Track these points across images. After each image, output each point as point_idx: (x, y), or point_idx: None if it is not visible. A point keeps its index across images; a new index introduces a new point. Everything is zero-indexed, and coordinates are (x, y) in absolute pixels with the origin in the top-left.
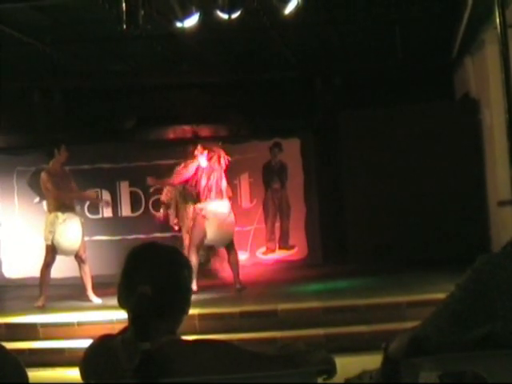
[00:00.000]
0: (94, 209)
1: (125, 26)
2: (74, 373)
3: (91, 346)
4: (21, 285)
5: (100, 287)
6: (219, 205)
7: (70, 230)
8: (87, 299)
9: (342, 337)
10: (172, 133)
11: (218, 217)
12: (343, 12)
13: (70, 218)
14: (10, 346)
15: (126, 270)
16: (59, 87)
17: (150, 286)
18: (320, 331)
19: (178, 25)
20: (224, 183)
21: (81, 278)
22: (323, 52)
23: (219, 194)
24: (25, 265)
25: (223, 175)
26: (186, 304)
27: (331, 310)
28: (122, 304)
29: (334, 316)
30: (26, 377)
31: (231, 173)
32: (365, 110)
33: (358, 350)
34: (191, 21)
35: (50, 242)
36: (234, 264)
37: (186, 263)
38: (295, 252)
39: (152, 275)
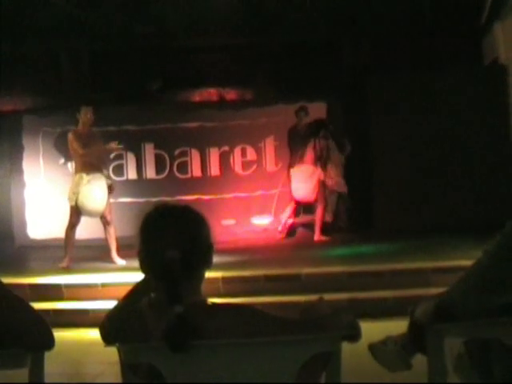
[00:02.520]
0: (119, 171)
1: None
2: (98, 334)
3: (116, 308)
4: (45, 246)
5: (124, 249)
6: None
7: (95, 192)
8: (111, 261)
9: (366, 302)
10: (198, 95)
11: None
12: None
13: (95, 179)
14: (34, 306)
15: (146, 235)
16: (86, 49)
17: (177, 249)
18: (344, 296)
19: None
20: None
21: (105, 240)
22: (351, 14)
23: None
24: (50, 226)
25: None
26: (210, 261)
27: (355, 275)
28: (146, 269)
29: (358, 281)
30: (52, 337)
31: (256, 136)
32: (392, 74)
33: (382, 316)
34: None
35: (73, 203)
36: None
37: (203, 220)
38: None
39: (177, 238)
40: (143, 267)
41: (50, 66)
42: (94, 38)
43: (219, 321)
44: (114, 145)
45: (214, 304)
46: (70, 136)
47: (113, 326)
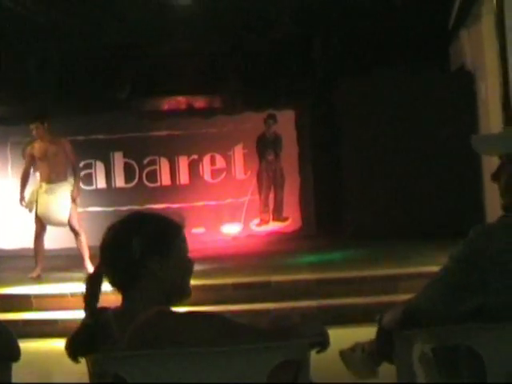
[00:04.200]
0: (88, 180)
1: None
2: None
3: (81, 324)
4: (15, 255)
5: (94, 258)
6: None
7: (54, 200)
8: (84, 270)
9: (336, 309)
10: (166, 103)
11: None
12: None
13: (53, 187)
14: (3, 316)
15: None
16: (53, 55)
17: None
18: (313, 303)
19: None
20: None
21: (77, 249)
22: (321, 15)
23: None
24: (19, 236)
25: None
26: None
27: (325, 282)
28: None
29: (327, 288)
30: (17, 348)
31: (225, 144)
32: (361, 76)
33: (352, 322)
34: None
35: (31, 212)
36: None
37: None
38: (289, 224)
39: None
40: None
41: (17, 74)
42: (62, 45)
43: (186, 329)
44: (74, 193)
45: (181, 313)
46: (28, 150)
47: (79, 340)
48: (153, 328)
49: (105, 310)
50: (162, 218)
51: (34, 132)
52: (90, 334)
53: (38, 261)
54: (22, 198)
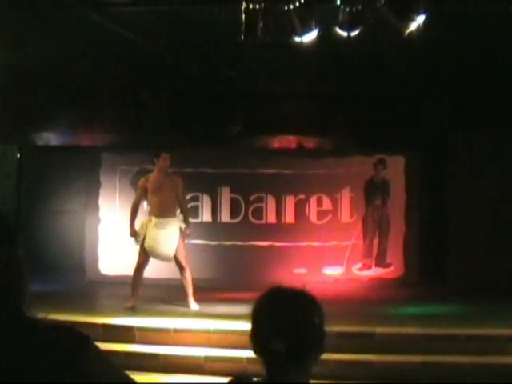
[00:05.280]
0: (194, 212)
1: (243, 37)
2: (169, 379)
3: None
4: (116, 282)
5: (196, 291)
6: None
7: (162, 235)
8: (186, 304)
9: (440, 366)
10: (277, 142)
11: None
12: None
13: (163, 222)
14: (107, 347)
15: (255, 319)
16: (167, 89)
17: (282, 341)
18: (417, 358)
19: (297, 39)
20: None
21: (182, 283)
22: (436, 72)
23: None
24: (121, 263)
25: None
26: (322, 348)
27: (429, 337)
28: (255, 352)
29: (432, 343)
30: None
31: (333, 186)
32: (474, 133)
33: (455, 381)
34: (310, 36)
35: (139, 244)
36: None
37: (318, 306)
38: (392, 270)
39: (284, 330)
40: (253, 348)
41: (131, 104)
42: (176, 79)
43: None
44: (187, 231)
45: None
46: (141, 182)
47: None
48: None
49: (248, 379)
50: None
51: (161, 162)
52: None
53: (134, 292)
54: (132, 231)
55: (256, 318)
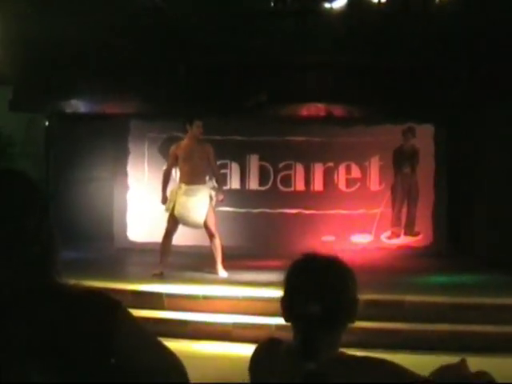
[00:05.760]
0: (222, 180)
1: (272, 4)
2: (197, 346)
3: (259, 348)
4: (144, 249)
5: (225, 259)
6: None
7: (191, 202)
8: (214, 271)
9: (469, 336)
10: (305, 110)
11: None
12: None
13: (193, 189)
14: (136, 313)
15: (290, 284)
16: (197, 60)
17: (319, 304)
18: (445, 327)
19: (326, 5)
20: None
21: (211, 250)
22: (469, 42)
23: None
24: (150, 230)
25: None
26: (353, 316)
27: (458, 307)
28: (287, 318)
29: (460, 313)
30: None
31: (362, 154)
32: (503, 106)
33: (483, 351)
34: (340, 2)
35: (169, 212)
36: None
37: (350, 273)
38: (420, 239)
39: (320, 292)
40: (284, 315)
41: (161, 74)
42: (205, 50)
43: (359, 378)
44: (220, 197)
45: (353, 359)
46: (172, 149)
47: (252, 367)
48: (322, 376)
49: (279, 341)
50: None
51: (194, 130)
52: None
53: (162, 259)
54: (164, 198)
55: (291, 282)
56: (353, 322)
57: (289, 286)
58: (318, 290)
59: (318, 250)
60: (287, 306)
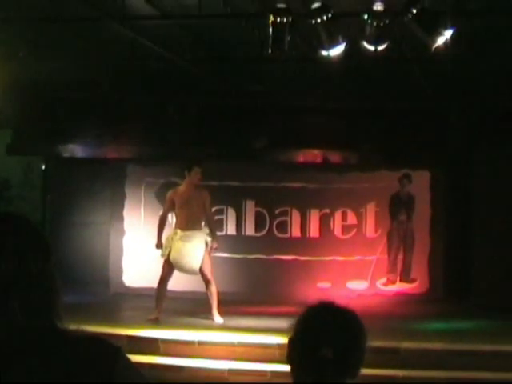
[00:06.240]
0: (219, 225)
1: (270, 51)
2: None
3: None
4: (140, 294)
5: (221, 305)
6: None
7: (188, 248)
8: (210, 317)
9: (464, 382)
10: (302, 156)
11: None
12: (489, 49)
13: (189, 235)
14: (131, 358)
15: (303, 327)
16: (194, 103)
17: (331, 348)
18: (442, 374)
19: (324, 53)
20: None
21: (207, 296)
22: (462, 86)
23: None
24: (145, 275)
25: None
26: (361, 364)
27: (454, 353)
28: (292, 360)
29: (456, 359)
30: None
31: (358, 200)
32: (499, 149)
33: None
34: (337, 50)
35: (165, 257)
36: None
37: (361, 324)
38: (416, 286)
39: (334, 339)
40: (290, 356)
41: (157, 117)
42: (202, 93)
43: None
44: (214, 245)
45: None
46: (169, 195)
47: None
48: None
49: None
50: None
51: (192, 176)
52: None
53: (158, 304)
54: (159, 244)
55: (306, 326)
56: (358, 373)
57: (301, 328)
58: (332, 334)
59: (312, 297)
60: (296, 347)
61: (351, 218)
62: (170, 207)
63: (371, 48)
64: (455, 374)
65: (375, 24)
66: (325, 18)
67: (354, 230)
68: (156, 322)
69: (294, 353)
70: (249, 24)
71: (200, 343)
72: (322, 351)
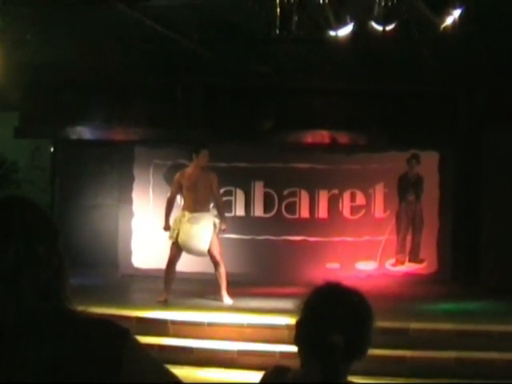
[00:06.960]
0: (227, 207)
1: (278, 31)
2: (202, 373)
3: (266, 376)
4: (148, 275)
5: (230, 286)
6: None
7: (194, 230)
8: (219, 298)
9: (473, 362)
10: (310, 137)
11: None
12: (497, 28)
13: (197, 217)
14: (140, 340)
15: (311, 311)
16: (200, 84)
17: (342, 334)
18: (451, 354)
19: (331, 33)
20: None
21: (216, 278)
22: (470, 67)
23: None
24: (154, 256)
25: None
26: (369, 346)
27: (464, 334)
28: (299, 342)
29: (466, 340)
30: None
31: (367, 181)
32: (508, 129)
33: (489, 378)
34: (345, 30)
35: (173, 240)
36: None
37: (370, 306)
38: (424, 266)
39: (344, 324)
40: (298, 339)
41: (164, 99)
42: (209, 75)
43: None
44: (223, 226)
45: None
46: (176, 177)
47: None
48: None
49: (286, 369)
50: None
51: (200, 159)
52: None
53: (166, 286)
54: (166, 226)
55: (313, 308)
56: (367, 352)
57: (309, 311)
58: (342, 320)
59: (321, 278)
60: (305, 331)
61: (360, 199)
62: (177, 189)
63: (379, 28)
64: (464, 354)
65: (383, 3)
66: None
67: (363, 211)
68: (165, 304)
69: (302, 336)
70: (256, 4)
71: (209, 324)
72: (333, 338)
